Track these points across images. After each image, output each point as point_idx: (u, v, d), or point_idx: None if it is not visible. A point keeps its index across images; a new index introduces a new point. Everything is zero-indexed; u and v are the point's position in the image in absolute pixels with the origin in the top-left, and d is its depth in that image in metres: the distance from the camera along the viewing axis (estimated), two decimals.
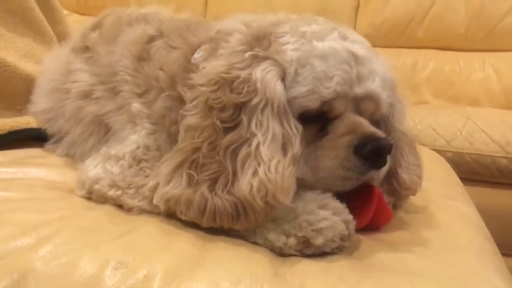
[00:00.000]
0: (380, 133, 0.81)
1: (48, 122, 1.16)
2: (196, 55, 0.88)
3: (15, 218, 0.78)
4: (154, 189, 0.80)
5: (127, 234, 0.75)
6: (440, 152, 1.75)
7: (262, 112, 0.77)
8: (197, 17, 1.18)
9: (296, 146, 0.76)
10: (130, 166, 0.89)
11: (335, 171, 0.78)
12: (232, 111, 0.77)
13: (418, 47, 2.74)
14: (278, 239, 0.75)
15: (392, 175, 0.88)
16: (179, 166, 0.77)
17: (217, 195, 0.73)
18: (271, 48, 0.82)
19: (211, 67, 0.81)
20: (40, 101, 1.19)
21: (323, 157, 0.79)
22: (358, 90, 0.81)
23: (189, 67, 0.87)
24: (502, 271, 0.78)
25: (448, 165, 1.42)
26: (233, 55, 0.81)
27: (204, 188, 0.74)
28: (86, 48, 1.12)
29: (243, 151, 0.75)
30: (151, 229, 0.77)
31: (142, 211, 0.84)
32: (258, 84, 0.77)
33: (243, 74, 0.78)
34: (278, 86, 0.78)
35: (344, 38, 0.84)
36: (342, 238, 0.74)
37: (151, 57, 0.95)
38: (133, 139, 0.92)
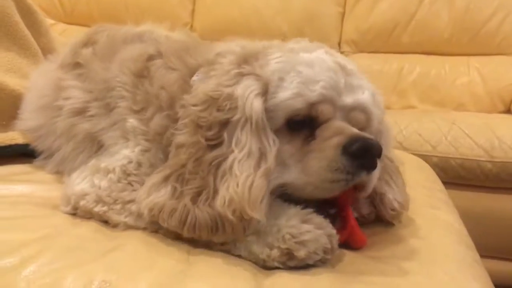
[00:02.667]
0: (369, 135, 0.81)
1: (38, 139, 1.13)
2: (195, 78, 0.89)
3: None
4: (141, 200, 0.80)
5: (111, 252, 0.75)
6: (426, 157, 1.78)
7: (242, 129, 0.78)
8: (193, 38, 1.19)
9: (269, 160, 0.78)
10: (119, 180, 0.89)
11: (323, 174, 0.77)
12: (217, 129, 0.79)
13: (404, 52, 2.77)
14: (261, 251, 0.76)
15: (379, 194, 0.90)
16: (165, 179, 0.79)
17: (198, 208, 0.75)
18: (256, 64, 0.84)
19: (202, 87, 0.83)
20: (29, 118, 1.17)
21: (311, 159, 0.79)
22: (348, 99, 0.82)
23: (187, 89, 0.87)
24: (482, 279, 0.80)
25: (432, 171, 1.43)
26: (222, 75, 0.83)
27: (187, 200, 0.76)
28: (77, 65, 1.10)
29: (222, 168, 0.77)
30: (135, 246, 0.78)
31: (128, 227, 0.85)
32: (239, 102, 0.79)
33: (227, 91, 0.80)
34: (257, 102, 0.80)
35: (331, 54, 0.87)
36: (325, 251, 0.75)
37: (152, 75, 0.95)
38: (125, 154, 0.92)
